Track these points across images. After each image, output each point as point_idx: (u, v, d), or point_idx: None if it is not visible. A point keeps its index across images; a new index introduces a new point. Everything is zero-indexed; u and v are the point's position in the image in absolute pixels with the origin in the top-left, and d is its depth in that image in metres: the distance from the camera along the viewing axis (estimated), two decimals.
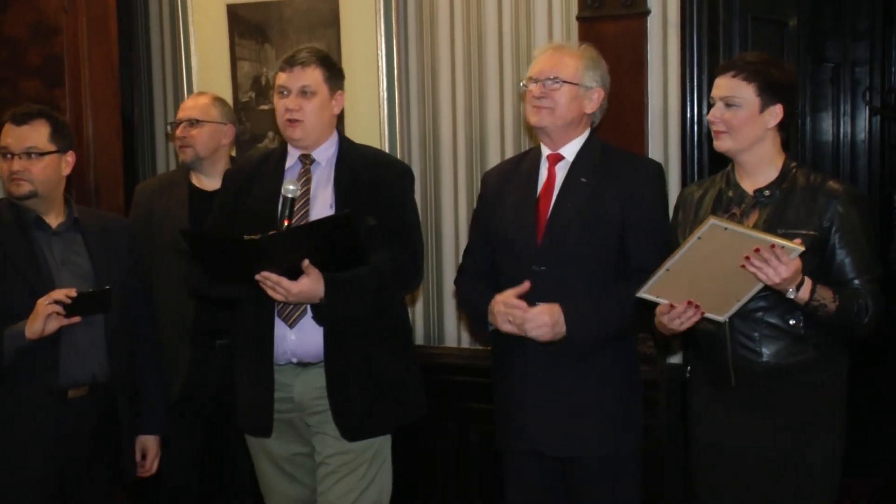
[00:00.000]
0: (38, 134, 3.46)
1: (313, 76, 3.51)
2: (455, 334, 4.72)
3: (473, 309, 3.56)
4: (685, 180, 4.14)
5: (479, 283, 3.52)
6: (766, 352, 3.12)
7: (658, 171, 3.52)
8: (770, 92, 3.15)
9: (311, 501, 3.62)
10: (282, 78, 3.53)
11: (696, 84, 4.20)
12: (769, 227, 3.08)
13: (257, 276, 3.29)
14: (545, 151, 3.50)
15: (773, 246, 2.87)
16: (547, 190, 3.45)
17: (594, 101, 3.46)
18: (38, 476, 3.37)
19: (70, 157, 3.56)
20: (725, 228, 2.89)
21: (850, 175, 5.69)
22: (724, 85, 3.19)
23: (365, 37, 4.60)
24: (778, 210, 3.14)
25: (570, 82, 3.41)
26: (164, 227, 4.08)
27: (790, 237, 2.96)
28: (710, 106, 3.26)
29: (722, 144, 3.21)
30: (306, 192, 3.52)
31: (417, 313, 4.75)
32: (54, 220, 3.52)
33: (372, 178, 3.54)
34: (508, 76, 4.51)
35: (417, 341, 4.61)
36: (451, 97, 4.64)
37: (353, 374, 3.48)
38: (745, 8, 4.32)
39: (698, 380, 3.34)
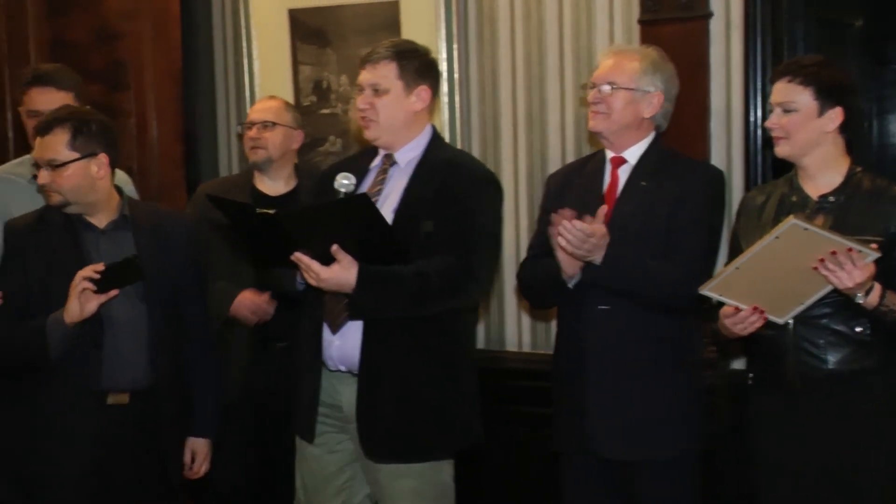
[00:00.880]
0: (57, 143, 3.34)
1: (384, 73, 3.38)
2: (515, 338, 4.71)
3: (545, 274, 3.41)
4: (748, 185, 4.10)
5: (543, 259, 3.43)
6: (832, 359, 3.09)
7: (714, 176, 3.49)
8: (827, 95, 3.12)
9: None
10: (360, 75, 3.45)
11: (759, 87, 4.14)
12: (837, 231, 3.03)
13: (292, 257, 3.15)
14: (609, 154, 3.49)
15: (849, 250, 2.85)
16: (610, 193, 3.44)
17: (653, 105, 3.43)
18: (75, 478, 3.34)
19: (102, 159, 3.38)
20: (805, 229, 2.86)
21: None
22: (781, 90, 3.17)
23: (425, 40, 4.48)
24: (841, 215, 3.10)
25: (626, 87, 3.39)
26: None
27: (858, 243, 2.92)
28: (769, 111, 3.23)
29: (781, 150, 3.19)
30: (377, 193, 3.39)
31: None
32: (103, 219, 3.44)
33: (442, 183, 3.35)
34: (569, 80, 4.49)
35: (477, 345, 4.57)
36: (512, 102, 4.63)
37: (385, 388, 3.29)
38: (808, 10, 4.26)
39: (759, 387, 3.30)
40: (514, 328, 4.71)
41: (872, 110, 5.01)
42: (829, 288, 2.93)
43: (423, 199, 3.32)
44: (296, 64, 5.01)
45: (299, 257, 3.14)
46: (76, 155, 3.33)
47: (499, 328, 4.73)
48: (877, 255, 2.87)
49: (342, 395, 3.37)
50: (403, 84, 3.39)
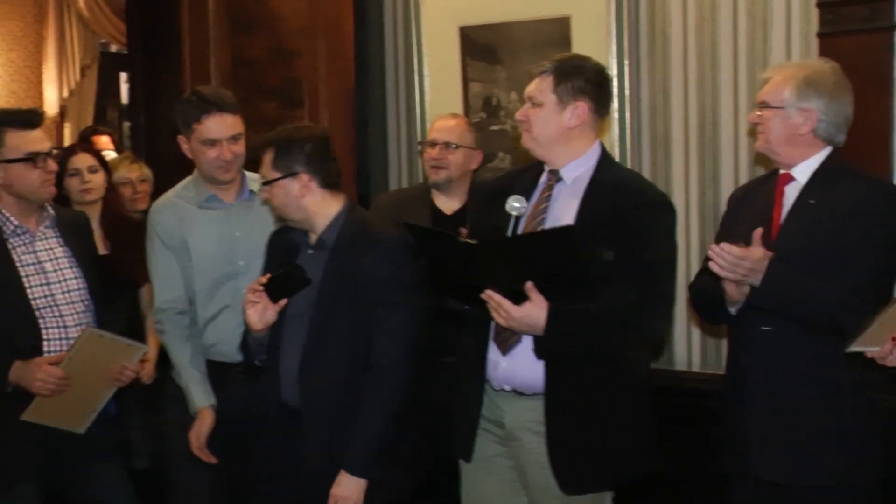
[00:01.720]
0: (265, 163, 3.49)
1: (542, 86, 3.37)
2: (685, 357, 4.63)
3: (710, 294, 3.37)
4: None
5: (710, 279, 3.34)
6: None
7: (890, 192, 3.34)
8: None
9: None
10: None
11: None
12: None
13: (483, 295, 3.18)
14: (781, 172, 3.41)
15: None
16: (777, 211, 3.36)
17: (810, 121, 3.29)
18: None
19: (304, 178, 3.43)
20: None
21: None
22: None
23: (596, 57, 4.37)
24: None
25: (776, 106, 3.31)
26: None
27: None
28: None
29: None
30: (543, 210, 3.36)
31: None
32: (314, 237, 3.51)
33: (616, 207, 3.27)
34: (743, 96, 4.38)
35: None
36: (684, 118, 4.55)
37: (572, 415, 3.27)
38: None
39: None
40: (684, 347, 4.63)
41: None
42: None
43: (598, 224, 3.23)
44: (466, 81, 5.05)
45: (490, 295, 3.16)
46: (278, 174, 3.45)
47: (668, 346, 4.65)
48: None
49: (505, 412, 3.37)
50: (557, 99, 3.35)
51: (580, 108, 3.36)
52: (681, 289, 4.35)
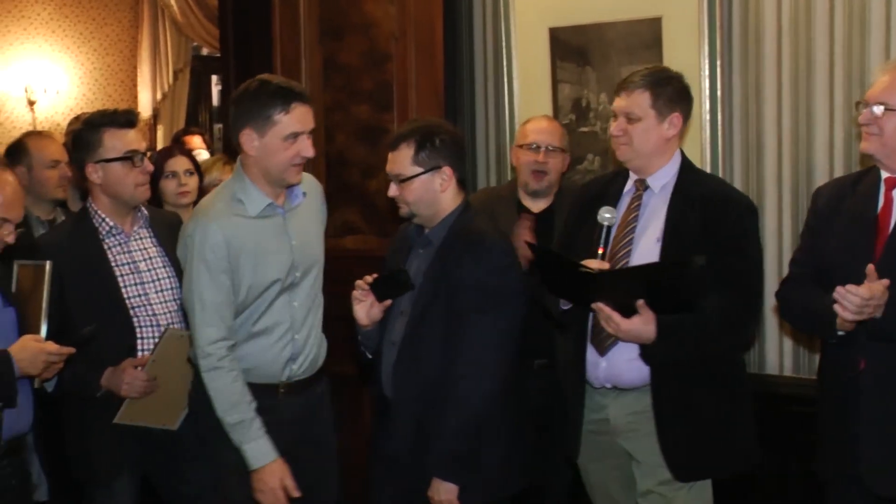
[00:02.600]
0: (395, 160, 3.51)
1: (638, 101, 3.48)
2: (777, 361, 4.55)
3: (805, 309, 3.37)
4: None
5: (810, 286, 3.35)
6: None
7: None
8: None
9: None
10: (615, 102, 3.56)
11: None
12: None
13: (593, 306, 3.32)
14: (884, 175, 3.32)
15: None
16: (885, 216, 3.28)
17: None
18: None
19: (447, 172, 3.49)
20: None
21: None
22: None
23: (687, 58, 4.50)
24: None
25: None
26: None
27: None
28: None
29: None
30: (634, 220, 3.51)
31: None
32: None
33: (706, 215, 3.43)
34: (839, 97, 4.30)
35: None
36: (777, 120, 4.48)
37: (679, 409, 3.42)
38: None
39: None
40: (775, 350, 4.55)
41: None
42: None
43: (688, 230, 3.41)
44: (555, 82, 5.03)
45: (601, 307, 3.30)
46: (420, 169, 3.47)
47: (759, 351, 4.58)
48: None
49: (609, 408, 3.51)
50: (656, 112, 3.47)
51: (676, 119, 3.51)
52: (772, 290, 4.31)
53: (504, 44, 5.16)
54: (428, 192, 3.47)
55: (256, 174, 3.52)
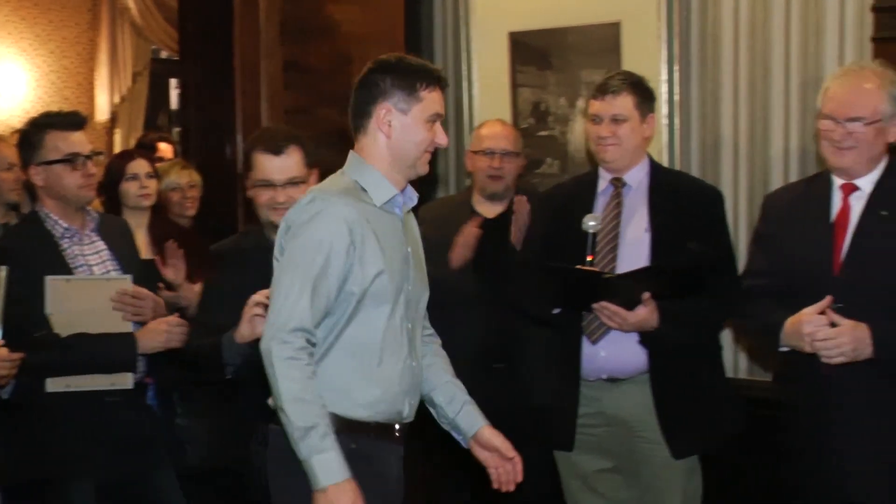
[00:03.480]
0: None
1: (624, 104, 3.60)
2: (731, 363, 4.57)
3: (764, 326, 3.40)
4: None
5: (767, 301, 3.37)
6: None
7: None
8: None
9: None
10: (594, 106, 3.64)
11: None
12: None
13: (595, 306, 3.43)
14: (838, 181, 3.34)
15: None
16: (842, 221, 3.29)
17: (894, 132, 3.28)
18: None
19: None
20: None
21: None
22: None
23: (646, 63, 4.54)
24: None
25: (873, 121, 3.23)
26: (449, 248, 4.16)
27: None
28: None
29: None
30: (616, 216, 3.61)
31: None
32: None
33: (689, 203, 3.60)
34: (795, 102, 4.38)
35: None
36: (734, 124, 4.54)
37: (680, 390, 3.52)
38: None
39: None
40: (730, 352, 4.56)
41: None
42: None
43: (675, 219, 3.56)
44: (515, 86, 5.06)
45: (605, 305, 3.41)
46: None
47: None
48: None
49: (603, 400, 3.59)
50: (639, 113, 3.61)
51: (651, 119, 3.67)
52: None
53: (464, 48, 5.18)
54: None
55: (382, 160, 2.90)
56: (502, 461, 2.98)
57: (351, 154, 2.95)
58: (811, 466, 3.32)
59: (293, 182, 3.42)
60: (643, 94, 3.63)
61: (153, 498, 3.79)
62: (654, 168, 3.71)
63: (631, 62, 4.62)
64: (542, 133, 5.01)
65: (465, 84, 5.20)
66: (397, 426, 2.91)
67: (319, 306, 2.77)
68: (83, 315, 3.60)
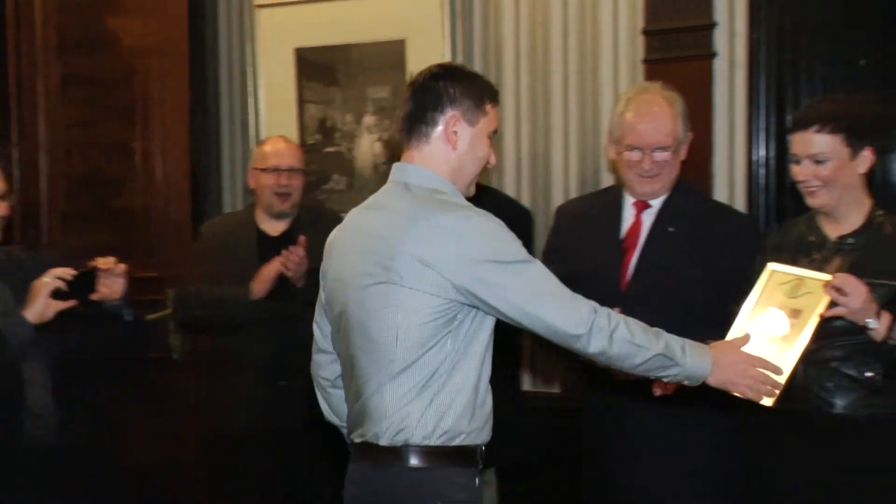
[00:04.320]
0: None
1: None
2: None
3: None
4: None
5: None
6: (839, 403, 3.01)
7: (753, 226, 3.53)
8: (858, 137, 3.04)
9: None
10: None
11: (762, 126, 4.18)
12: (854, 275, 2.91)
13: None
14: (630, 199, 3.44)
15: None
16: (632, 235, 3.40)
17: (685, 150, 3.43)
18: None
19: None
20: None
21: None
22: (809, 141, 3.04)
23: None
24: (863, 259, 3.02)
25: (676, 147, 3.37)
26: (236, 268, 4.10)
27: (874, 287, 2.87)
28: (790, 162, 3.14)
29: (816, 200, 3.09)
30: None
31: None
32: None
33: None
34: (573, 120, 4.52)
35: None
36: (516, 142, 4.65)
37: None
38: (813, 48, 4.27)
39: (769, 429, 3.18)
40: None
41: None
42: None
43: None
44: (301, 102, 5.04)
45: None
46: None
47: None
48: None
49: None
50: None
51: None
52: None
53: (250, 62, 5.12)
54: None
55: (444, 173, 2.69)
56: None
57: (413, 167, 2.68)
58: (604, 472, 3.42)
59: None
60: None
61: None
62: None
63: None
64: (329, 149, 5.00)
65: (250, 100, 5.14)
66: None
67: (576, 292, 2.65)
68: None
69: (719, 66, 4.24)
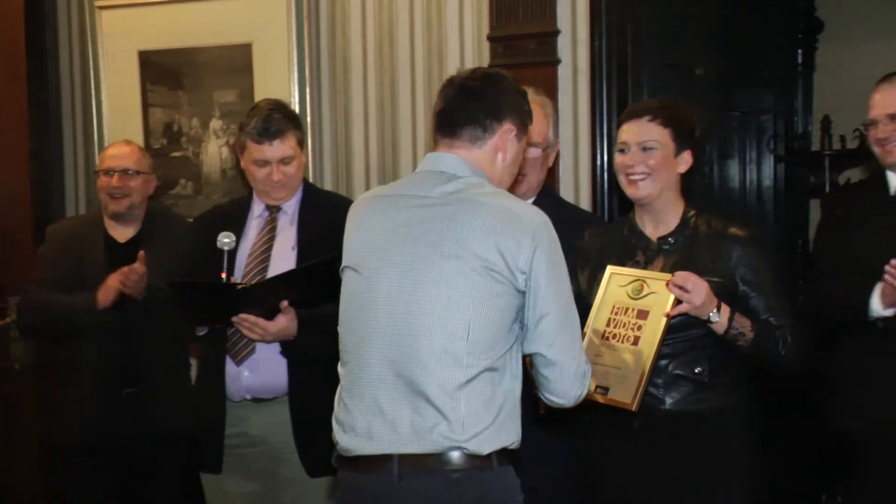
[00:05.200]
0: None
1: (289, 145, 3.58)
2: None
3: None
4: None
5: None
6: (669, 399, 3.08)
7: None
8: (683, 138, 3.13)
9: None
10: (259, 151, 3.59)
11: (605, 132, 4.26)
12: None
13: (234, 319, 3.38)
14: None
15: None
16: None
17: (552, 157, 3.53)
18: None
19: None
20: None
21: (759, 220, 5.80)
22: (639, 129, 3.13)
23: (278, 84, 4.60)
24: (684, 257, 3.11)
25: (543, 146, 3.47)
26: (82, 273, 4.01)
27: None
28: (621, 151, 3.19)
29: (640, 191, 3.14)
30: (271, 239, 3.60)
31: None
32: None
33: (333, 220, 3.29)
34: (420, 123, 4.56)
35: None
36: (364, 144, 4.67)
37: (317, 409, 3.29)
38: (653, 57, 4.40)
39: (598, 425, 3.21)
40: None
41: (714, 154, 5.20)
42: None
43: (320, 234, 3.45)
44: (146, 106, 4.95)
45: (244, 318, 3.37)
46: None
47: None
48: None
49: (249, 420, 3.56)
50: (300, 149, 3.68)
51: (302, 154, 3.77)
52: None
53: (92, 65, 5.00)
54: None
55: (492, 182, 2.70)
56: None
57: (469, 164, 2.64)
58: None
59: None
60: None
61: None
62: (308, 192, 3.71)
63: (263, 84, 4.65)
64: (176, 154, 4.92)
65: (93, 102, 5.03)
66: None
67: None
68: None
69: (563, 72, 4.31)
